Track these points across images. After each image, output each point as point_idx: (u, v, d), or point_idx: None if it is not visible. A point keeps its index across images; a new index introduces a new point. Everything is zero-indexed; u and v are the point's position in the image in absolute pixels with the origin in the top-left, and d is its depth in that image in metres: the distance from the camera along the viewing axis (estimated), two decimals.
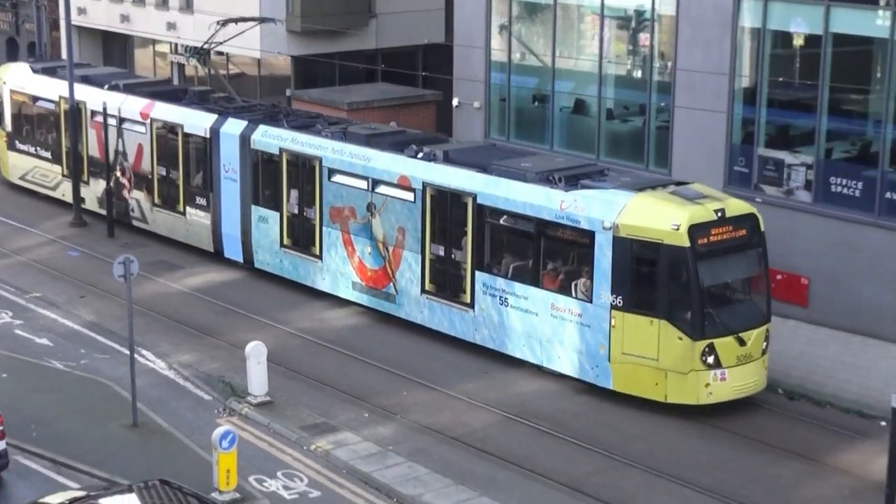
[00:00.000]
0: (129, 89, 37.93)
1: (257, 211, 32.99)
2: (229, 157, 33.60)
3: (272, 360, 26.23)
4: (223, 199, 34.10)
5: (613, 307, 24.82)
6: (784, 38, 31.21)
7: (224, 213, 34.21)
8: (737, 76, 31.49)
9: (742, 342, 24.57)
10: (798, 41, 31.04)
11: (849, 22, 29.65)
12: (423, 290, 28.88)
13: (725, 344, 24.44)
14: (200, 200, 34.84)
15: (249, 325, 30.11)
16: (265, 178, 32.89)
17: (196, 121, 34.77)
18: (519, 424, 25.07)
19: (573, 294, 25.76)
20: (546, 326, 26.26)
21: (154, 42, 49.56)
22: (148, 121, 36.07)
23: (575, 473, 22.94)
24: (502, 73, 37.06)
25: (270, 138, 32.48)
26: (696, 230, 24.24)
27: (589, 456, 23.73)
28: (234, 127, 33.56)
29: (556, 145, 35.46)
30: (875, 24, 29.12)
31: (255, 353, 25.37)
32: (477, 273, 27.65)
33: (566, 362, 26.07)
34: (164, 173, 35.92)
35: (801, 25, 30.55)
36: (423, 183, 28.47)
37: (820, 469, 22.95)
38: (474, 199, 27.45)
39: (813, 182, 30.38)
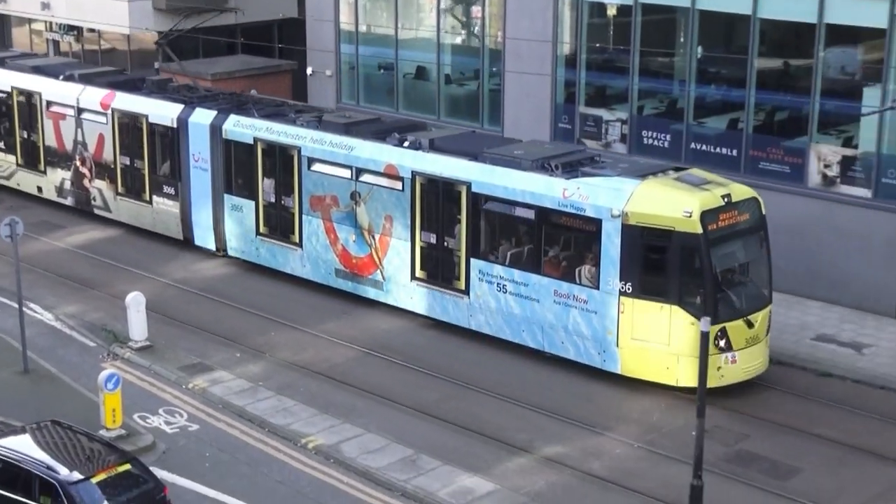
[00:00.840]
0: (86, 79, 34.80)
1: (230, 200, 30.27)
2: (199, 147, 30.73)
3: (150, 309, 25.98)
4: (193, 188, 31.22)
5: (622, 293, 22.93)
6: (599, 8, 31.73)
7: (194, 202, 31.34)
8: (559, 43, 31.88)
9: (750, 325, 22.90)
10: (611, 11, 31.60)
11: None
12: (412, 277, 26.64)
13: (736, 327, 22.69)
14: (168, 189, 31.95)
15: (128, 278, 29.71)
16: (238, 167, 30.10)
17: (162, 111, 31.80)
18: (375, 358, 25.28)
19: (577, 280, 23.77)
20: (548, 312, 24.20)
21: (30, 21, 48.27)
22: (109, 111, 33.06)
23: (426, 400, 23.26)
24: (351, 43, 36.99)
25: (243, 128, 29.65)
26: (707, 216, 22.40)
27: (438, 384, 24.06)
28: (203, 117, 30.70)
29: (401, 108, 35.60)
30: None
31: (135, 302, 25.26)
32: (472, 260, 25.45)
33: (569, 347, 24.06)
34: (127, 163, 32.92)
35: None
36: (413, 172, 26.11)
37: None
38: (469, 187, 25.19)
39: (627, 135, 31.04)
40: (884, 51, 26.74)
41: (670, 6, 30.08)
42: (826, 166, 28.06)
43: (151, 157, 32.32)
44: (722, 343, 22.46)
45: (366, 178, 27.10)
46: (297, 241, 28.89)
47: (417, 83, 35.97)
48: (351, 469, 20.73)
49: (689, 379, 22.17)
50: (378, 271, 27.22)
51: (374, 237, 27.12)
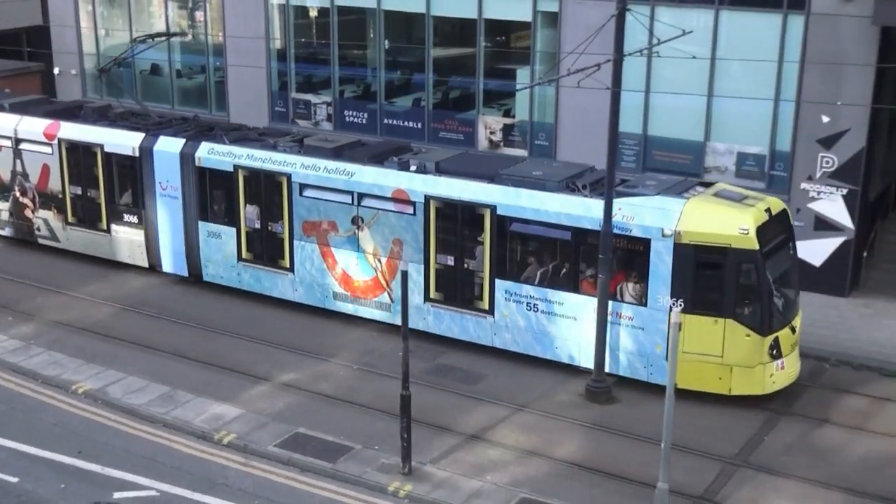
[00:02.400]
0: (19, 109, 28.65)
1: (206, 227, 25.26)
2: (167, 175, 25.43)
3: None
4: (160, 216, 25.93)
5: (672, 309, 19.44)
6: (303, 10, 31.50)
7: (162, 230, 26.04)
8: (271, 40, 31.53)
9: (793, 330, 20.50)
10: (313, 13, 31.43)
11: None
12: (426, 299, 22.64)
13: (784, 335, 20.14)
14: (130, 218, 26.57)
15: None
16: (215, 194, 25.16)
17: (119, 139, 26.25)
18: (132, 312, 24.45)
19: (620, 298, 20.49)
20: (587, 330, 20.70)
21: None
22: (56, 141, 27.18)
23: (178, 344, 22.72)
24: (93, 45, 35.54)
25: (220, 155, 24.64)
26: (760, 232, 19.55)
27: (188, 330, 23.53)
28: (170, 145, 25.42)
29: (140, 97, 34.46)
30: None
31: None
32: (497, 281, 21.63)
33: (610, 361, 20.69)
34: (79, 192, 27.31)
35: (314, 1, 31.00)
36: (426, 196, 22.02)
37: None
38: (493, 210, 21.32)
39: (333, 115, 31.10)
40: (530, 39, 27.77)
41: (361, 7, 30.21)
42: (491, 133, 28.96)
43: (108, 186, 26.72)
44: (774, 352, 20.02)
45: (369, 202, 22.78)
46: (288, 266, 24.26)
47: (153, 78, 34.82)
48: (117, 408, 20.08)
49: (741, 388, 20.02)
50: (385, 294, 23.10)
51: (380, 261, 22.93)
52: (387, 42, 30.03)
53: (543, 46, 27.64)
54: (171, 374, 21.34)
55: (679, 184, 21.12)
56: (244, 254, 24.88)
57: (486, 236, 21.50)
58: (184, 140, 25.39)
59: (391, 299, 22.88)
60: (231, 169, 24.43)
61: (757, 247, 19.38)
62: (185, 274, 25.96)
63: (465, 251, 22.02)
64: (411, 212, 22.26)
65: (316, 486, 17.72)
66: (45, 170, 27.69)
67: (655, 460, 16.35)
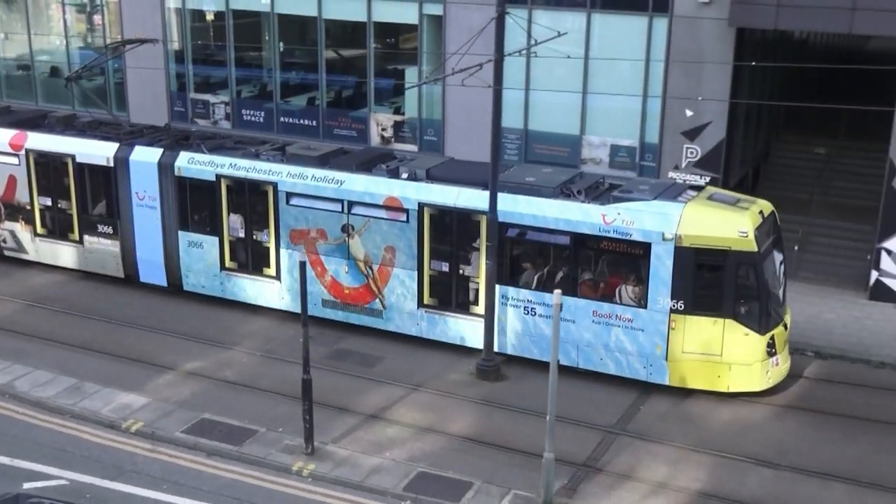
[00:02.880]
0: None
1: (187, 237, 23.57)
2: (144, 185, 23.70)
3: None
4: (137, 226, 24.11)
5: (673, 311, 19.25)
6: (199, 14, 30.87)
7: (140, 241, 24.20)
8: (169, 42, 30.86)
9: (785, 327, 20.09)
10: (210, 16, 30.81)
11: (242, 1, 29.82)
12: (420, 305, 21.49)
13: (779, 333, 19.75)
14: (104, 229, 24.70)
15: None
16: (196, 204, 23.44)
17: (92, 150, 24.33)
18: (38, 308, 23.68)
19: (619, 300, 19.76)
20: (586, 332, 20.04)
21: None
22: (23, 152, 25.14)
23: (84, 337, 22.09)
24: None
25: (201, 165, 22.98)
26: (757, 234, 19.09)
27: (93, 323, 22.87)
28: (147, 154, 23.68)
29: (40, 101, 33.37)
30: (261, 2, 29.47)
31: None
32: (496, 286, 20.48)
33: (609, 363, 20.05)
34: (48, 204, 25.29)
35: (210, 5, 30.41)
36: (420, 203, 20.92)
37: None
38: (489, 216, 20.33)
39: (231, 114, 30.59)
40: (417, 41, 27.70)
41: (255, 11, 29.75)
42: (383, 129, 28.83)
43: (80, 197, 24.82)
44: (770, 349, 19.57)
45: (360, 210, 21.55)
46: (274, 274, 22.84)
47: (52, 80, 33.71)
48: (25, 401, 19.41)
49: (739, 385, 19.59)
50: (377, 300, 21.86)
51: (371, 268, 21.74)
52: (281, 44, 29.64)
53: (430, 47, 27.61)
54: (78, 367, 20.72)
55: (671, 188, 20.45)
56: (227, 263, 23.32)
57: (483, 242, 20.44)
58: (161, 150, 23.67)
59: (383, 306, 21.74)
60: (213, 178, 22.81)
61: (756, 248, 18.91)
62: (164, 284, 24.18)
63: (462, 257, 20.99)
64: (404, 219, 21.10)
65: (222, 469, 17.44)
66: (12, 181, 25.58)
67: (541, 432, 16.53)
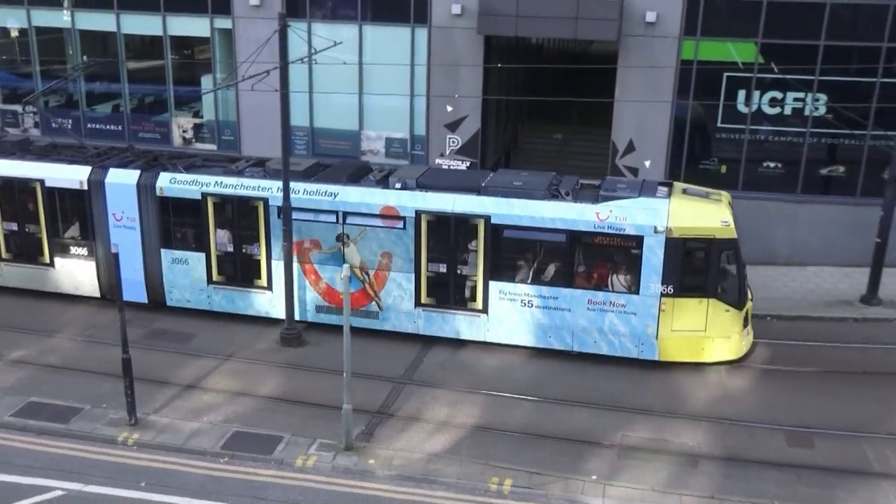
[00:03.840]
0: None
1: (170, 254, 21.35)
2: (122, 206, 21.25)
3: None
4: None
5: (664, 295, 18.91)
6: (3, 31, 28.69)
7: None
8: None
9: (751, 301, 19.97)
10: (14, 33, 28.69)
11: (44, 18, 27.98)
12: (417, 304, 20.31)
13: (749, 307, 19.69)
14: (77, 250, 21.98)
15: None
16: (179, 222, 21.28)
17: (62, 174, 21.61)
18: None
19: (611, 288, 19.23)
20: (581, 319, 19.46)
21: None
22: None
23: None
24: None
25: (184, 184, 20.85)
26: (734, 223, 18.99)
27: None
28: (123, 177, 21.23)
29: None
30: (63, 18, 27.75)
31: None
32: (491, 282, 19.74)
33: (602, 345, 19.56)
34: (14, 229, 22.29)
35: (13, 22, 28.33)
36: (416, 210, 19.68)
37: None
38: (488, 219, 19.40)
39: (40, 123, 28.68)
40: (210, 51, 26.88)
41: (57, 27, 27.98)
42: (184, 132, 27.86)
43: (51, 220, 22.00)
44: (744, 322, 19.60)
45: (355, 220, 20.07)
46: (266, 284, 21.02)
47: None
48: None
49: (719, 355, 19.51)
50: (374, 303, 20.53)
51: (367, 273, 20.31)
52: (84, 57, 27.98)
53: (222, 57, 26.85)
54: None
55: (646, 185, 20.00)
56: (215, 276, 21.29)
57: (480, 244, 19.64)
58: (138, 171, 21.33)
59: (380, 307, 20.54)
60: (198, 197, 20.79)
61: (735, 235, 18.88)
62: (145, 301, 21.76)
63: (458, 259, 20.00)
64: (401, 226, 19.87)
65: (52, 446, 16.52)
66: None
67: (340, 387, 16.58)
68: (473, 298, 20.07)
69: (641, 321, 19.29)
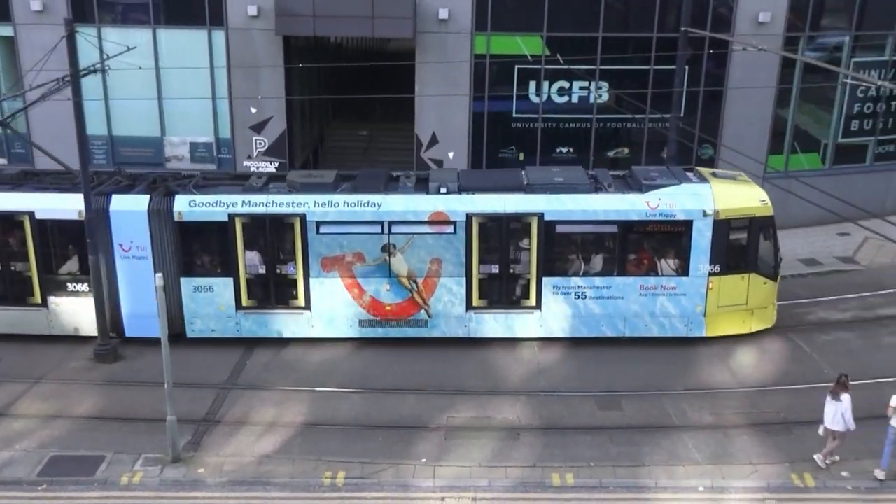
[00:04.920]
0: None
1: (191, 282, 19.45)
2: (131, 235, 19.12)
3: None
4: (122, 280, 19.39)
5: (711, 274, 19.30)
6: None
7: (126, 294, 19.51)
8: None
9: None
10: None
11: None
12: (469, 308, 19.62)
13: (779, 277, 20.36)
14: (75, 287, 19.61)
15: None
16: (202, 247, 19.54)
17: (55, 204, 19.25)
18: None
19: (661, 273, 19.48)
20: (633, 305, 19.58)
21: None
22: None
23: None
24: None
25: (207, 206, 19.03)
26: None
27: None
28: (131, 203, 19.15)
29: None
30: None
31: None
32: (545, 279, 19.43)
33: (653, 328, 19.76)
34: None
35: None
36: (468, 214, 19.07)
37: None
38: (541, 217, 19.08)
39: None
40: None
41: None
42: None
43: (43, 256, 19.53)
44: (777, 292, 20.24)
45: (401, 228, 19.14)
46: (303, 304, 19.64)
47: None
48: None
49: (758, 325, 20.17)
50: (423, 311, 19.69)
51: (415, 282, 19.46)
52: None
53: (6, 66, 25.05)
54: None
55: (677, 171, 20.41)
56: (245, 301, 19.65)
57: (533, 241, 19.33)
58: (147, 196, 19.28)
59: (429, 315, 19.73)
60: (225, 218, 19.09)
61: (772, 212, 19.57)
62: (157, 335, 19.06)
63: (510, 258, 19.53)
64: (451, 231, 19.22)
65: None
66: None
67: (162, 399, 15.96)
68: (527, 296, 19.83)
69: (691, 301, 19.71)
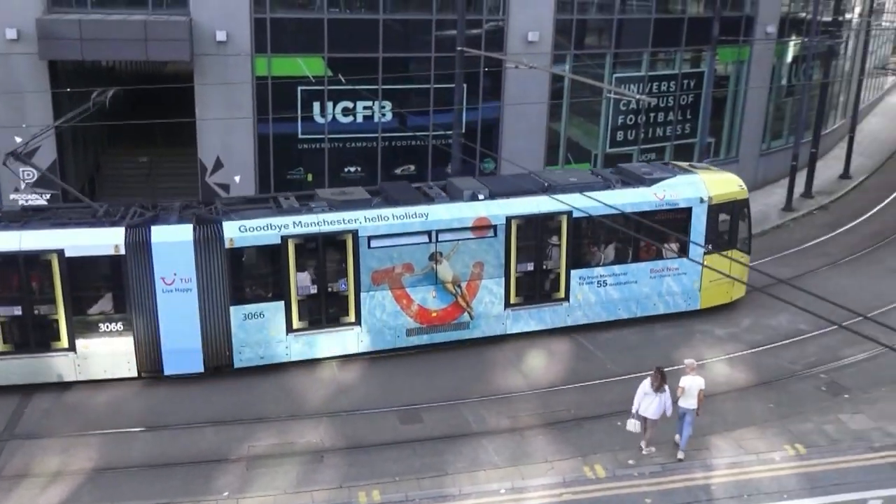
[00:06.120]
0: None
1: (241, 310, 18.62)
2: (175, 267, 17.97)
3: None
4: (163, 315, 18.10)
5: (706, 253, 21.16)
6: None
7: (167, 330, 18.19)
8: None
9: None
10: None
11: None
12: (507, 306, 20.48)
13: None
14: (109, 327, 18.09)
15: None
16: (254, 273, 18.98)
17: (89, 240, 17.74)
18: None
19: (665, 256, 21.44)
20: (644, 287, 21.48)
21: None
22: None
23: None
24: None
25: (259, 231, 18.47)
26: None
27: None
28: (173, 234, 18.01)
29: None
30: None
31: None
32: (572, 272, 20.81)
33: (660, 306, 21.77)
34: (18, 313, 17.70)
35: None
36: (507, 217, 19.99)
37: None
38: (570, 214, 20.15)
39: None
40: None
41: None
42: None
43: (72, 296, 17.87)
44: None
45: (447, 236, 19.65)
46: (353, 320, 19.45)
47: None
48: None
49: (736, 294, 22.59)
50: (465, 314, 20.26)
51: (459, 286, 20.02)
52: None
53: None
54: None
55: (662, 166, 22.84)
56: (296, 324, 19.12)
57: (563, 237, 20.57)
58: (190, 225, 18.20)
59: (471, 317, 20.35)
60: (278, 241, 18.63)
61: (747, 195, 22.28)
62: (199, 370, 18.75)
63: (543, 255, 20.71)
64: (492, 234, 20.08)
65: None
66: None
67: None
68: (557, 289, 20.98)
69: (690, 279, 21.87)
